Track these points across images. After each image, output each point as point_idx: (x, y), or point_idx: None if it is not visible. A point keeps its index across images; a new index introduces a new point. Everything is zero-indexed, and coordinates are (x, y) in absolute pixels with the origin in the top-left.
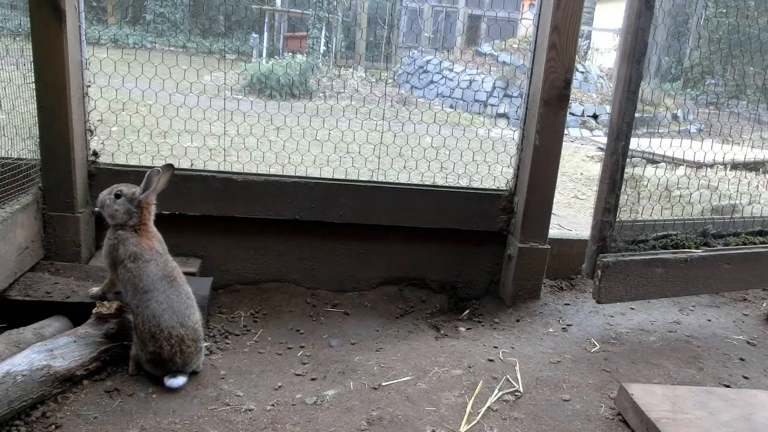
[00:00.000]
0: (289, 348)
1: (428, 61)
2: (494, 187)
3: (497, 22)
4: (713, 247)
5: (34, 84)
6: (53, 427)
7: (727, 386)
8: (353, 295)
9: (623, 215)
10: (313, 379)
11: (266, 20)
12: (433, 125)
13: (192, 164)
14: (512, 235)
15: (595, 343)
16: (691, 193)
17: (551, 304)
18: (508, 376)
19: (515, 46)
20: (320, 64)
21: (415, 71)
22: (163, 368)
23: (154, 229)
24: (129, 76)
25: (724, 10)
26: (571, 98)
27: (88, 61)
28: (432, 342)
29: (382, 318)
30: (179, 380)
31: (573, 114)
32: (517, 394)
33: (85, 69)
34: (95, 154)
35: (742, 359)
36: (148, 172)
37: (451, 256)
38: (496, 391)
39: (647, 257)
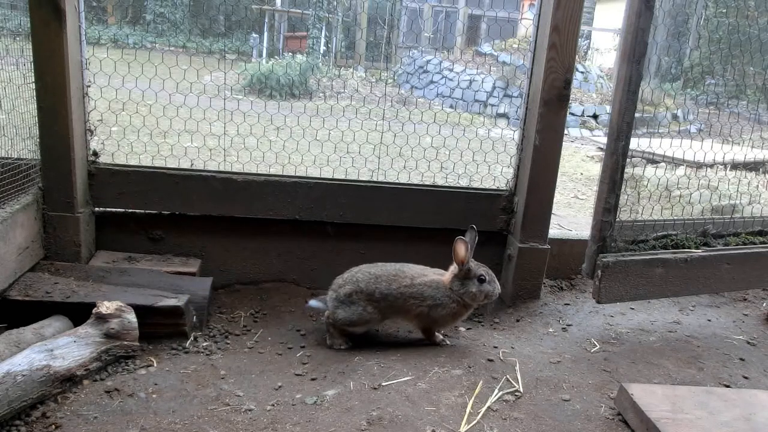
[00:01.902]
0: (289, 348)
1: (428, 61)
2: (494, 187)
3: (497, 22)
4: (713, 247)
5: (34, 84)
6: (53, 427)
7: (727, 386)
8: None
9: (623, 215)
10: (313, 379)
11: (266, 20)
12: (433, 125)
13: (192, 164)
14: (512, 235)
15: (595, 343)
16: (691, 193)
17: (551, 304)
18: (508, 376)
19: (515, 46)
20: (320, 64)
21: (415, 71)
22: None
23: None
24: (129, 76)
25: (724, 10)
26: (571, 98)
27: (88, 61)
28: None
29: None
30: None
31: (573, 114)
32: (517, 394)
33: (85, 69)
34: (95, 154)
35: (742, 359)
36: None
37: (451, 257)
38: (496, 391)
39: (647, 257)
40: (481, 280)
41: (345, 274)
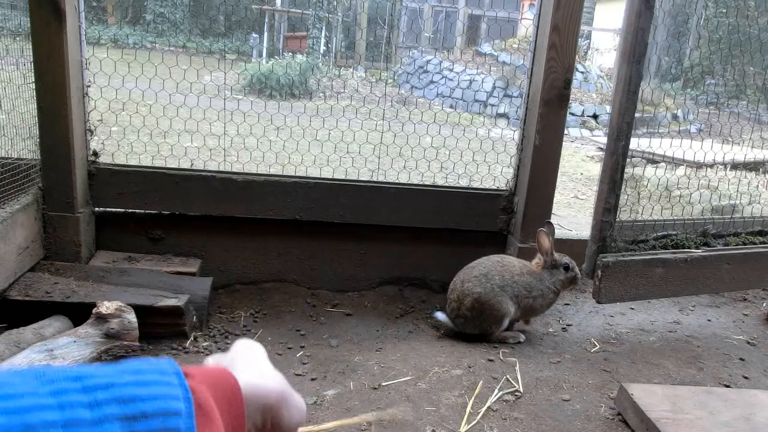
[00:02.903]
0: (289, 348)
1: (428, 61)
2: (494, 187)
3: (497, 22)
4: (713, 247)
5: (34, 84)
6: None
7: (727, 386)
8: (353, 295)
9: (623, 215)
10: (313, 379)
11: (266, 20)
12: (433, 125)
13: (192, 164)
14: (512, 235)
15: (595, 343)
16: (691, 193)
17: None
18: (508, 376)
19: (515, 46)
20: (320, 64)
21: (415, 71)
22: None
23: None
24: (129, 76)
25: (724, 10)
26: (571, 98)
27: (88, 61)
28: (432, 342)
29: (382, 318)
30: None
31: (573, 114)
32: (517, 394)
33: (85, 69)
34: (95, 154)
35: (742, 359)
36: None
37: (451, 256)
38: (496, 391)
39: (647, 257)
40: (566, 268)
41: (451, 295)
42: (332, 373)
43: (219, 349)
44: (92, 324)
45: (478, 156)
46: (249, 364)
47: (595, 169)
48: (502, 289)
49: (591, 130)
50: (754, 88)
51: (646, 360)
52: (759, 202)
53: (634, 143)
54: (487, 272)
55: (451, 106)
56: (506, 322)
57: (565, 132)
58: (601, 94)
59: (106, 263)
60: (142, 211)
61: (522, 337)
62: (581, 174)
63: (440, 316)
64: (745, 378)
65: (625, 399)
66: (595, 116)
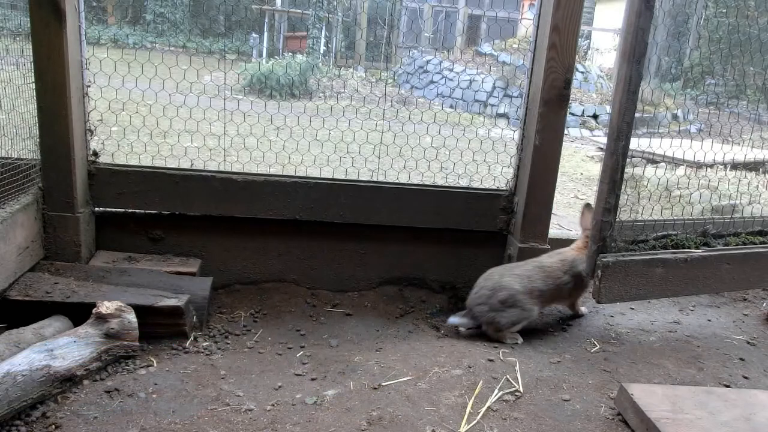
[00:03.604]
0: (289, 348)
1: (428, 61)
2: (494, 187)
3: (497, 22)
4: (713, 247)
5: (34, 84)
6: (53, 427)
7: (727, 386)
8: (353, 295)
9: (623, 215)
10: (313, 379)
11: (266, 20)
12: (433, 125)
13: (192, 164)
14: (512, 235)
15: (595, 343)
16: (691, 193)
17: None
18: (508, 376)
19: (515, 46)
20: (320, 64)
21: (415, 71)
22: None
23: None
24: (129, 76)
25: (724, 10)
26: (571, 98)
27: (88, 61)
28: (432, 342)
29: (382, 318)
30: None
31: (573, 114)
32: (517, 394)
33: (85, 69)
34: (95, 154)
35: (742, 359)
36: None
37: (451, 256)
38: (496, 391)
39: (647, 257)
40: None
41: (485, 283)
42: (332, 373)
43: (219, 348)
44: (92, 324)
45: (478, 156)
46: None
47: (595, 169)
48: (542, 293)
49: (591, 130)
50: (754, 88)
51: (646, 360)
52: (759, 202)
53: (634, 143)
54: (531, 275)
55: (451, 106)
56: (521, 326)
57: (565, 132)
58: (601, 94)
59: (106, 263)
60: (142, 211)
61: (520, 339)
62: (581, 174)
63: (454, 320)
64: (745, 378)
65: (625, 399)
66: (595, 116)
